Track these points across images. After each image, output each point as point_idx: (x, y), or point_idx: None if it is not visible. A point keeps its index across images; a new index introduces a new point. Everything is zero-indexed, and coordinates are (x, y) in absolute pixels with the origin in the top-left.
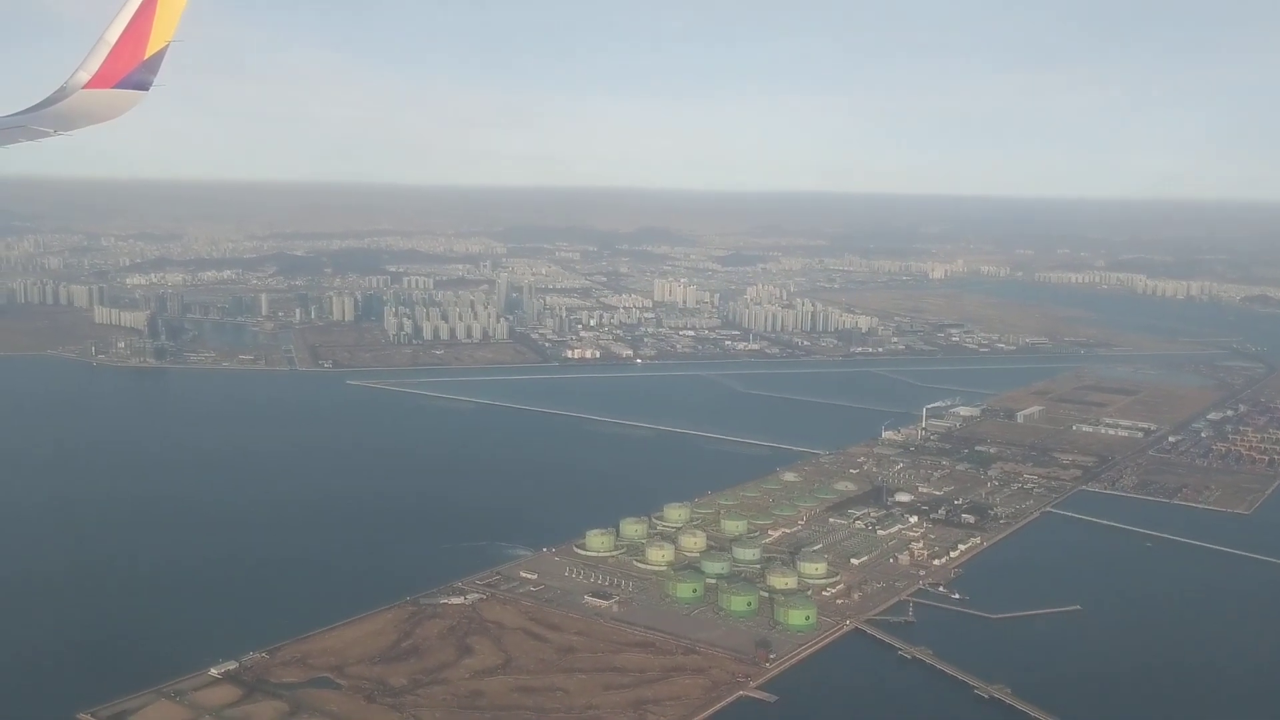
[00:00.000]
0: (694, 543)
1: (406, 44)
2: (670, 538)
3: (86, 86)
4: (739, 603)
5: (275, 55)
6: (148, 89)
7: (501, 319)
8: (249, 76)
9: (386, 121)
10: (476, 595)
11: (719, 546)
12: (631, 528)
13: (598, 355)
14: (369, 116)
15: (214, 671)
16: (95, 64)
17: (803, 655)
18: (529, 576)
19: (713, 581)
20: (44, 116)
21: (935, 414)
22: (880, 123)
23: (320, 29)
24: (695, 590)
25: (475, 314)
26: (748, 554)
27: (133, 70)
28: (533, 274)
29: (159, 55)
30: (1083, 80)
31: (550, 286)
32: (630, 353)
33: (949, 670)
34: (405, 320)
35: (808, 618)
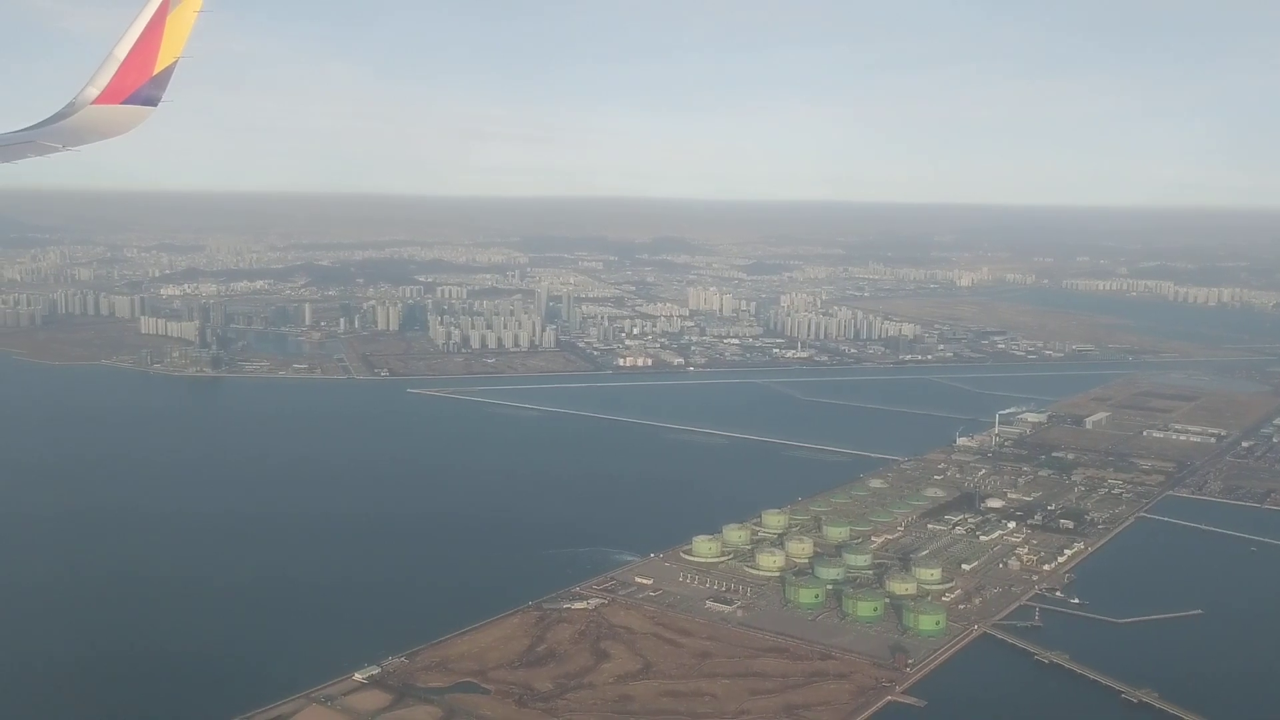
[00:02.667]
0: (801, 549)
1: (415, 57)
2: (777, 543)
3: (95, 102)
4: (865, 608)
5: (282, 68)
6: (156, 105)
7: (547, 328)
8: (257, 89)
9: (394, 133)
10: (598, 600)
11: (825, 552)
12: (735, 534)
13: (649, 363)
14: (376, 128)
15: (358, 676)
16: (104, 80)
17: (939, 660)
18: (644, 582)
19: (830, 587)
20: (52, 132)
21: (1004, 420)
22: (886, 132)
23: (328, 41)
24: (817, 596)
25: (520, 323)
26: (859, 560)
27: (141, 86)
28: (561, 283)
29: (167, 71)
30: (1088, 89)
31: (583, 296)
32: (681, 360)
33: (1090, 674)
34: (453, 329)
35: (938, 623)
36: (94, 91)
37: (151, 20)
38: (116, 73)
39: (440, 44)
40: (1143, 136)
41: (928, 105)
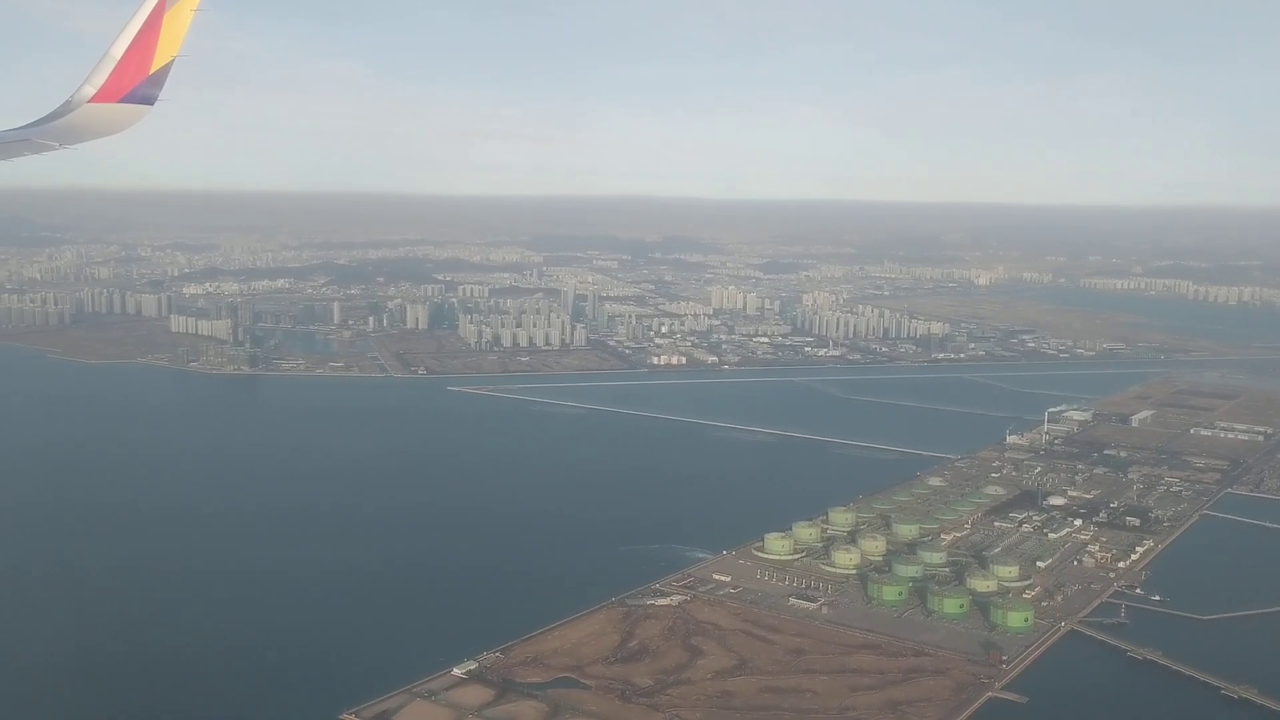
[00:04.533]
0: (875, 546)
1: (417, 57)
2: (850, 541)
3: (91, 101)
4: (951, 605)
5: (284, 67)
6: (153, 103)
7: (576, 326)
8: (260, 88)
9: (397, 132)
10: (680, 596)
11: (896, 550)
12: (805, 531)
13: (683, 361)
14: (380, 127)
15: (457, 671)
16: (101, 78)
17: (1032, 657)
18: (723, 579)
19: (910, 584)
20: (49, 130)
21: (1052, 418)
22: (890, 131)
23: (330, 41)
24: (900, 593)
25: (550, 321)
26: (935, 557)
27: (138, 85)
28: (579, 282)
29: (164, 70)
30: (1089, 89)
31: (604, 294)
32: (715, 359)
33: (1185, 671)
34: (484, 328)
35: (1026, 619)
36: (90, 90)
37: (148, 19)
38: (113, 71)
39: (442, 43)
40: (1144, 136)
41: (930, 105)
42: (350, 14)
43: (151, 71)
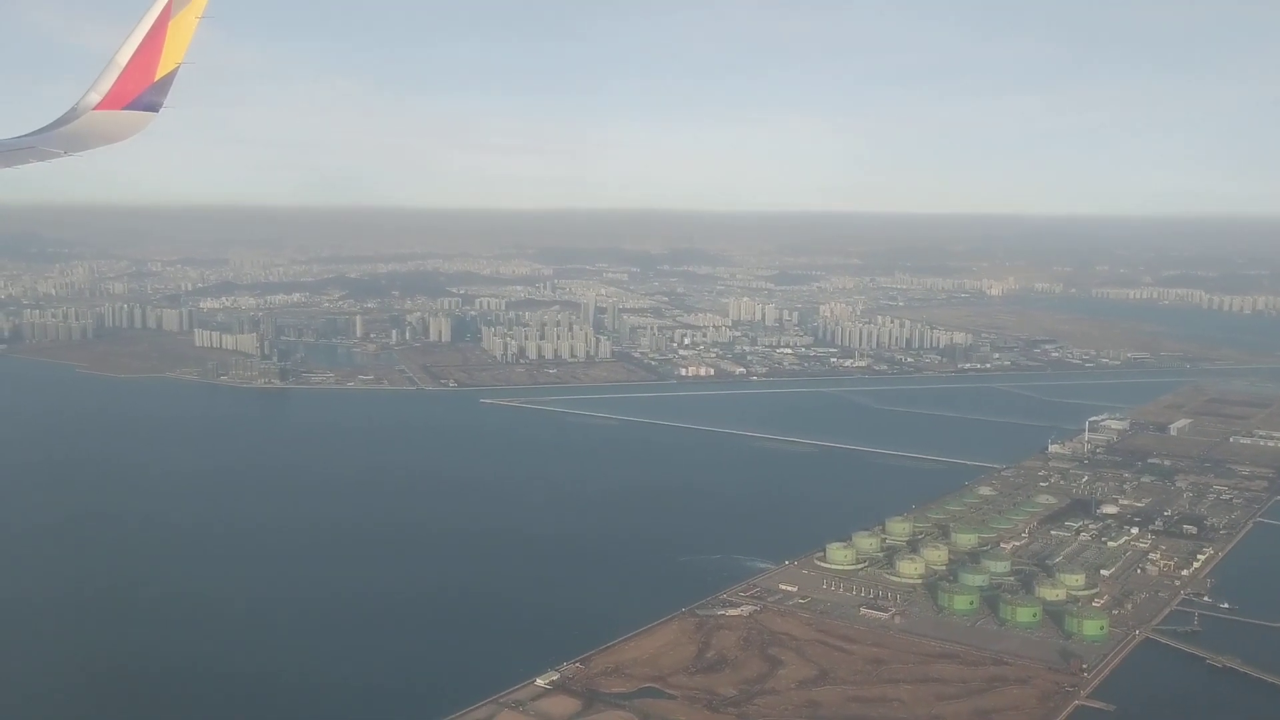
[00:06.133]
0: (938, 555)
1: (420, 71)
2: (913, 550)
3: (96, 108)
4: (1025, 614)
5: (288, 83)
6: (158, 110)
7: (600, 338)
8: (261, 103)
9: (399, 147)
10: (750, 607)
11: (958, 559)
12: (865, 541)
13: (711, 373)
14: (382, 142)
15: (540, 681)
16: (105, 85)
17: (1111, 666)
18: (789, 589)
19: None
20: (53, 138)
21: (1092, 427)
22: (891, 143)
23: (333, 55)
24: (972, 602)
25: (573, 333)
26: (999, 566)
27: (143, 92)
28: (594, 295)
29: (169, 77)
30: (1088, 99)
31: (621, 307)
32: (743, 370)
33: (1267, 678)
34: (509, 340)
35: (1102, 627)
36: (95, 97)
37: (153, 26)
38: (118, 79)
39: (443, 58)
40: (1143, 146)
41: (932, 117)
42: (352, 29)
43: (156, 79)
